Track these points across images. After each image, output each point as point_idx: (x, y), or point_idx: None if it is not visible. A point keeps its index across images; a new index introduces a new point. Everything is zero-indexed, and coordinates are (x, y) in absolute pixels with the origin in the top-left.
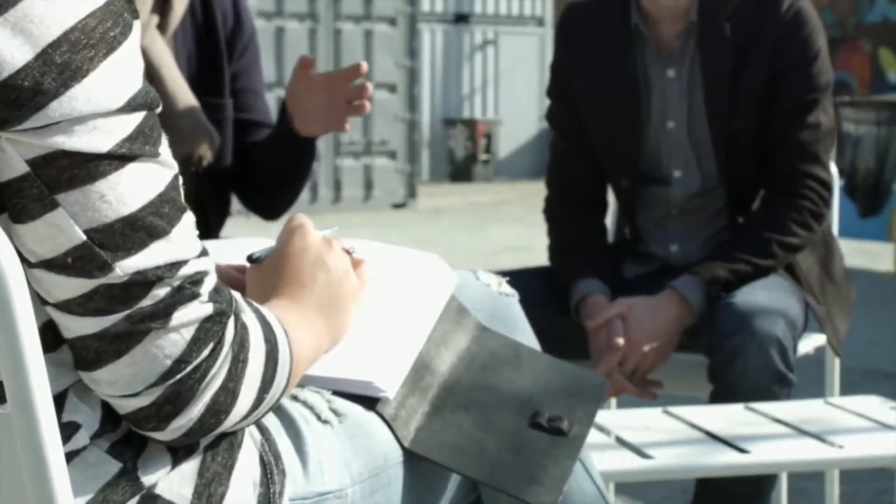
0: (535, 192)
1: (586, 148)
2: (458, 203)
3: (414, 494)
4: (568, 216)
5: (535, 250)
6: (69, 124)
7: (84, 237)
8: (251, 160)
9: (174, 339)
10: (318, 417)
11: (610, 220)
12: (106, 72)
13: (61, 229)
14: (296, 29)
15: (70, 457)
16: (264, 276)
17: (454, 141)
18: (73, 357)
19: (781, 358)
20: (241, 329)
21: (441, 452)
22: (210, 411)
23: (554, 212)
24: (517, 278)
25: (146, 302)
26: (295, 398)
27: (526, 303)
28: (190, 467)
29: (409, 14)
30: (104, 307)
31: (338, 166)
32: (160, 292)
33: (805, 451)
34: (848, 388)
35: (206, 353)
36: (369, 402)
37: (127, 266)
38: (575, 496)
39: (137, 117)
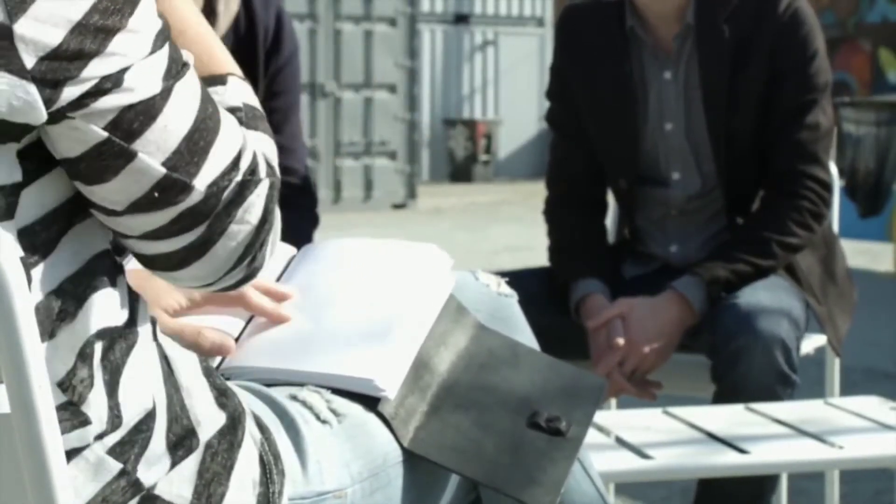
0: (535, 193)
1: (586, 149)
2: (458, 203)
3: (413, 494)
4: (568, 216)
5: (535, 250)
6: (120, 80)
7: (164, 170)
8: None
9: (244, 229)
10: (318, 417)
11: (610, 220)
12: (135, 24)
13: (143, 172)
14: (295, 29)
15: (71, 455)
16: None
17: (454, 141)
18: (150, 264)
19: (785, 359)
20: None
21: (440, 452)
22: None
23: (554, 212)
24: (517, 278)
25: (222, 206)
26: (294, 398)
27: (526, 303)
28: (189, 467)
29: (409, 14)
30: (188, 225)
31: (338, 167)
32: (231, 193)
33: (805, 452)
34: (848, 389)
35: (268, 220)
36: (369, 401)
37: (202, 180)
38: (574, 497)
39: (166, 49)
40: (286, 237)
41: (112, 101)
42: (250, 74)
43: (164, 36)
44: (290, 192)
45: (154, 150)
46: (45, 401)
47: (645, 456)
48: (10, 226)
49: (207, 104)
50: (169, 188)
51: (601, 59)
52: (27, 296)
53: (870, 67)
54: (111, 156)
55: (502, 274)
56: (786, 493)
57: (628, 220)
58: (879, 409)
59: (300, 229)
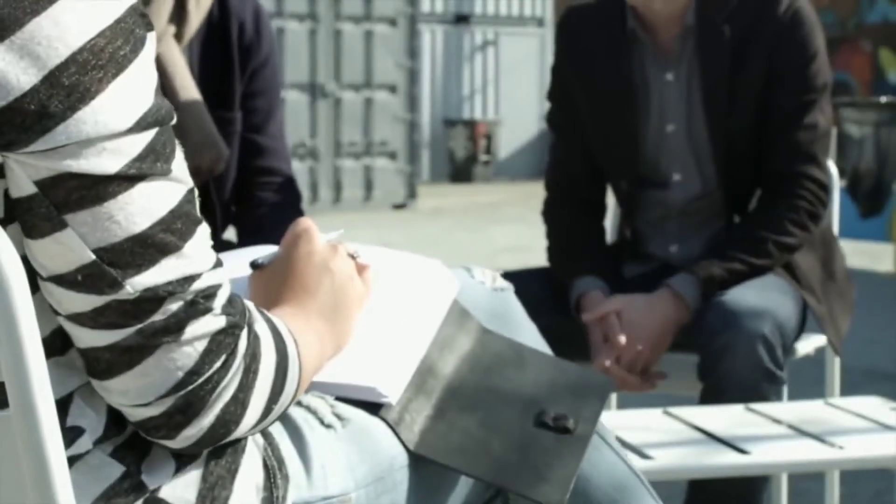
0: (535, 193)
1: (585, 150)
2: (458, 203)
3: (420, 497)
4: (566, 217)
5: (535, 250)
6: (77, 147)
7: (93, 256)
8: (248, 208)
9: (187, 351)
10: (322, 422)
11: (610, 220)
12: (115, 92)
13: (70, 248)
14: (296, 29)
15: (72, 461)
16: (269, 282)
17: (454, 141)
18: (85, 366)
19: (769, 356)
20: (254, 340)
21: (447, 454)
22: (220, 422)
23: (552, 213)
24: (517, 279)
25: (158, 317)
26: (298, 403)
27: (526, 303)
28: (193, 472)
29: (410, 14)
30: (116, 321)
31: (338, 167)
32: (172, 307)
33: (805, 452)
34: (848, 389)
35: (218, 364)
36: (373, 406)
37: (137, 283)
38: (600, 470)
39: (148, 135)
40: (274, 235)
41: (54, 160)
42: (225, 70)
43: (156, 121)
44: (273, 191)
45: (88, 232)
46: (46, 402)
47: (645, 456)
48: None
49: (178, 221)
50: (96, 277)
51: (602, 60)
52: (28, 296)
53: (870, 68)
54: (38, 216)
55: (502, 275)
56: (786, 494)
57: (628, 220)
58: (880, 410)
59: (285, 227)
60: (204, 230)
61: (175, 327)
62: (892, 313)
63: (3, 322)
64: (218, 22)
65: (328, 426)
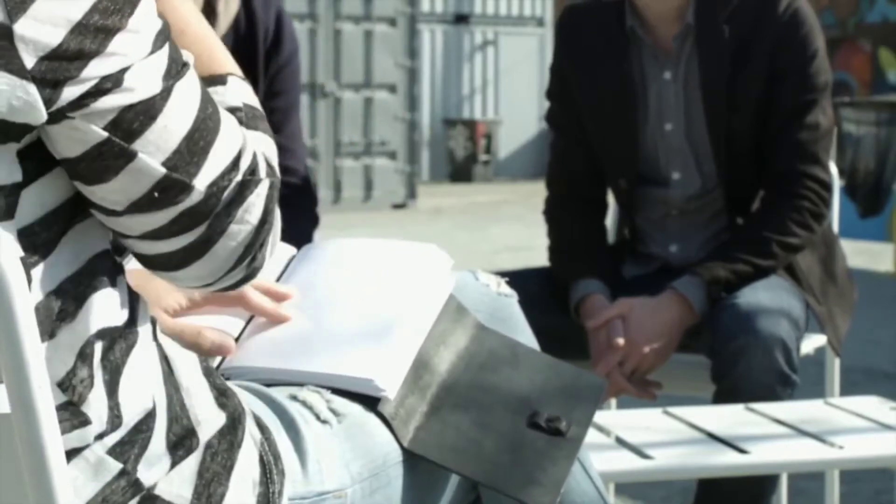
0: (535, 192)
1: (586, 148)
2: (458, 203)
3: (413, 494)
4: (568, 216)
5: (535, 250)
6: (120, 80)
7: (164, 170)
8: None
9: (246, 228)
10: (318, 417)
11: (610, 220)
12: (136, 24)
13: (144, 172)
14: (296, 29)
15: (71, 455)
16: None
17: (454, 141)
18: (150, 264)
19: (785, 359)
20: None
21: (440, 452)
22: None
23: (554, 212)
24: (517, 278)
25: (222, 206)
26: (294, 398)
27: (526, 303)
28: (189, 468)
29: (409, 14)
30: (188, 225)
31: (338, 167)
32: (231, 193)
33: (805, 452)
34: (848, 389)
35: (270, 218)
36: (368, 401)
37: (202, 180)
38: (574, 497)
39: (166, 50)
40: (286, 237)
41: (112, 101)
42: (251, 74)
43: (164, 36)
44: (290, 192)
45: (154, 150)
46: (45, 401)
47: (645, 456)
48: (9, 226)
49: (207, 104)
50: (169, 188)
51: (601, 59)
52: (27, 295)
53: (870, 67)
54: (111, 156)
55: (502, 274)
56: (785, 493)
57: (628, 220)
58: (879, 409)
59: (300, 229)
60: (225, 110)
61: (236, 210)
62: (891, 313)
63: (2, 322)
64: (245, 27)
65: (324, 421)
